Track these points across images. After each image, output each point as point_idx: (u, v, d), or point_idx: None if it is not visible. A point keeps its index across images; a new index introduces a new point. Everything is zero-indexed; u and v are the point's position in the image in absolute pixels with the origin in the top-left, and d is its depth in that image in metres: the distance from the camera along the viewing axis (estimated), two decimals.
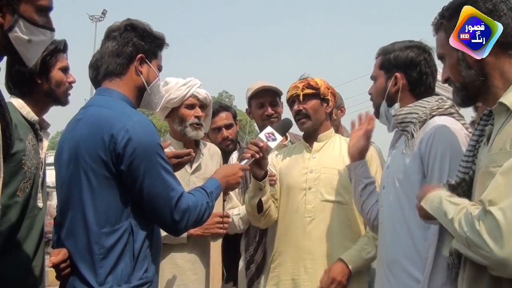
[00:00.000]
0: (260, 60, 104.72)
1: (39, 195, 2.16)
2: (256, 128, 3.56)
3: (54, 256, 1.85)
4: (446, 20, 1.64)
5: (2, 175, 1.47)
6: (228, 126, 3.43)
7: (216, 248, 2.82)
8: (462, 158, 1.66)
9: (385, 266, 2.06)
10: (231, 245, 3.09)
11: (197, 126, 2.85)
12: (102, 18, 32.34)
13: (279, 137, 2.51)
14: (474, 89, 1.60)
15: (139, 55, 1.99)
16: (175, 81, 2.87)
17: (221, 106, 3.50)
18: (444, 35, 1.64)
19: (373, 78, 2.24)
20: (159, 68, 2.10)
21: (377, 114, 2.24)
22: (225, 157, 3.19)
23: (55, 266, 1.85)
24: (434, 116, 1.99)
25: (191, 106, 2.86)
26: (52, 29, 1.58)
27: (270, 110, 3.15)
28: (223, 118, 3.43)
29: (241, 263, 3.05)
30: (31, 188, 2.09)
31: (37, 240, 2.12)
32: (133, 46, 1.98)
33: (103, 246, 1.79)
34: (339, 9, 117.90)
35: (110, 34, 2.02)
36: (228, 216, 2.88)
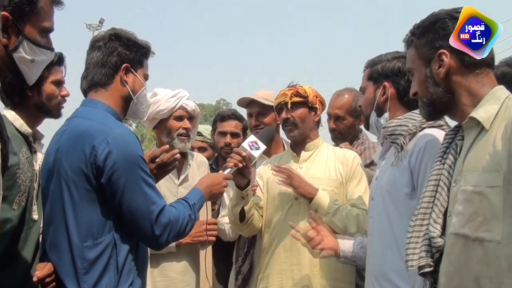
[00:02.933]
0: (258, 67, 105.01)
1: (34, 207, 2.15)
2: None
3: (39, 270, 1.83)
4: (416, 38, 1.67)
5: (1, 192, 1.49)
6: (234, 135, 3.43)
7: (206, 256, 2.80)
8: (431, 174, 1.65)
9: (373, 278, 2.06)
10: (225, 253, 3.11)
11: (184, 137, 2.86)
12: (100, 27, 32.26)
13: (262, 146, 2.51)
14: (441, 105, 1.64)
15: (124, 65, 1.97)
16: (164, 93, 2.87)
17: (234, 114, 3.53)
18: (414, 52, 1.69)
19: (362, 89, 2.26)
20: (146, 77, 2.07)
21: (367, 125, 2.25)
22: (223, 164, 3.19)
23: (41, 281, 1.83)
24: (423, 128, 1.99)
25: (179, 118, 2.88)
26: (52, 49, 1.64)
27: (254, 122, 3.19)
28: (232, 125, 3.45)
29: (232, 274, 3.05)
30: (26, 201, 2.09)
31: (32, 252, 2.11)
32: (118, 56, 1.97)
33: (86, 260, 1.77)
34: (338, 12, 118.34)
35: (94, 44, 2.00)
36: (215, 223, 2.88)
